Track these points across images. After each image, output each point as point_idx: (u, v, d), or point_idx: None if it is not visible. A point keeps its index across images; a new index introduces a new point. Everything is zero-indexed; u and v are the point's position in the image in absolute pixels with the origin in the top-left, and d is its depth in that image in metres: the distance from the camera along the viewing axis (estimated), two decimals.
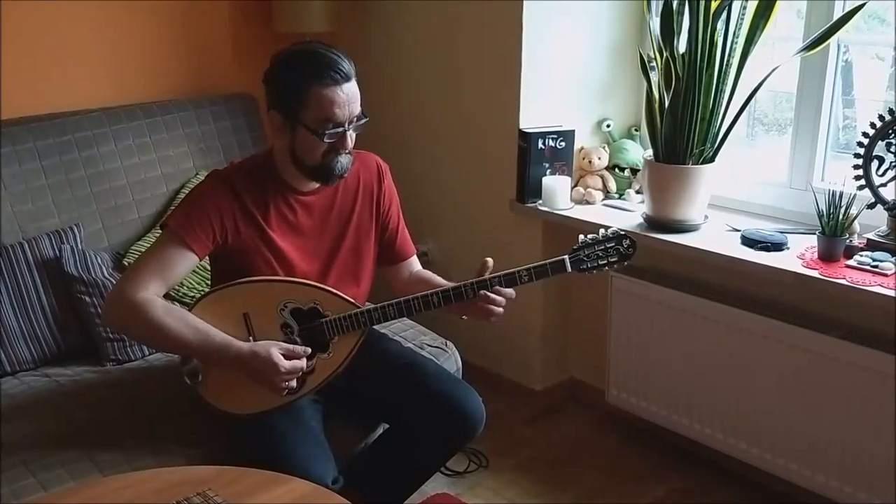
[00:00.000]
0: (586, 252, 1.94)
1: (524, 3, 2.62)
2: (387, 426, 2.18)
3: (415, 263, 2.21)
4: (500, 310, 1.95)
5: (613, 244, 1.95)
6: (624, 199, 2.79)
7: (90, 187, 2.56)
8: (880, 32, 2.43)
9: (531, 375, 2.99)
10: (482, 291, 1.92)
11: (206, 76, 2.99)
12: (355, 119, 1.89)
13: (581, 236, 1.96)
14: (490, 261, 1.95)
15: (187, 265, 1.90)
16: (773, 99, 2.69)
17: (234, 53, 3.04)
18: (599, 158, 2.81)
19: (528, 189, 2.75)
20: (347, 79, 1.85)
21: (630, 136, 2.90)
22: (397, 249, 2.17)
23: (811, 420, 2.28)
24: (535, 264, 1.93)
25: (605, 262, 1.95)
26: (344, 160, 1.91)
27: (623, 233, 1.96)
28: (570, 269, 1.93)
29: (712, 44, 2.33)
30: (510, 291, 1.94)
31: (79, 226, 2.49)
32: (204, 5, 2.95)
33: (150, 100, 2.79)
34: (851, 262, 2.18)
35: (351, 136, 1.90)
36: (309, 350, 1.90)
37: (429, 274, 2.17)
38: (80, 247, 2.44)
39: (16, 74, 2.56)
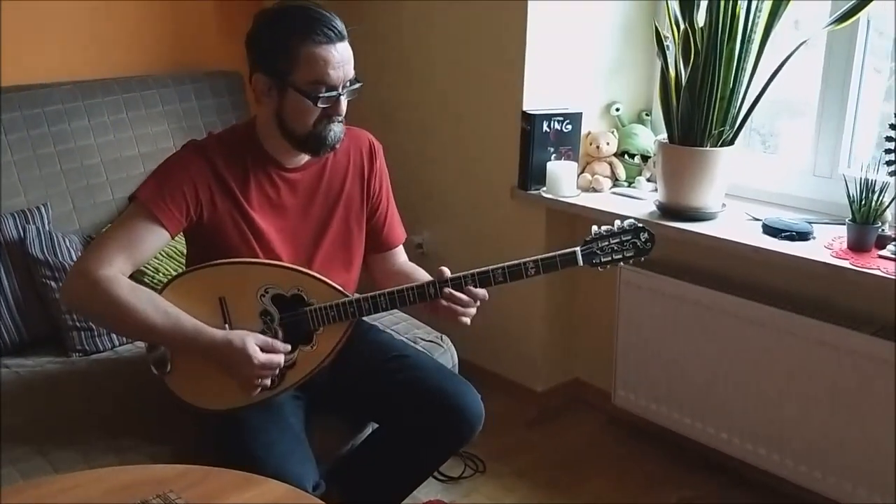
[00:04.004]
0: (600, 245, 1.77)
1: None
2: (376, 425, 2.01)
3: (401, 254, 2.04)
4: (470, 311, 1.77)
5: (630, 237, 1.78)
6: (634, 187, 2.62)
7: (60, 165, 2.39)
8: (878, 46, 2.27)
9: (532, 375, 2.82)
10: (447, 290, 1.74)
11: (188, 50, 2.82)
12: (349, 83, 1.72)
13: (594, 227, 1.79)
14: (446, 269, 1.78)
15: (157, 242, 1.72)
16: (770, 108, 2.54)
17: (219, 26, 2.87)
18: (608, 144, 2.65)
19: (532, 175, 2.58)
20: (341, 38, 1.69)
21: (640, 121, 2.74)
22: (384, 237, 1.99)
23: (840, 424, 2.11)
24: (544, 256, 1.76)
25: (619, 256, 1.78)
26: (337, 129, 1.74)
27: (641, 225, 1.79)
28: (581, 262, 1.77)
29: (734, 16, 2.16)
30: (482, 292, 1.76)
31: (47, 206, 2.32)
32: None
33: (128, 74, 2.61)
34: (884, 253, 2.03)
35: (345, 103, 1.74)
36: (288, 347, 1.72)
37: (413, 267, 1.99)
38: (46, 228, 2.27)
39: None
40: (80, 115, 2.43)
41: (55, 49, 2.56)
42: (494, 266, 1.75)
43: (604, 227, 1.78)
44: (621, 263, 1.79)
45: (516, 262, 1.75)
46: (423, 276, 1.91)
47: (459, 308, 1.75)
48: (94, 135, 2.45)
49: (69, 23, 2.58)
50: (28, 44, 2.50)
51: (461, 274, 1.76)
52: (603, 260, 1.77)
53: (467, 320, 1.78)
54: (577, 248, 1.76)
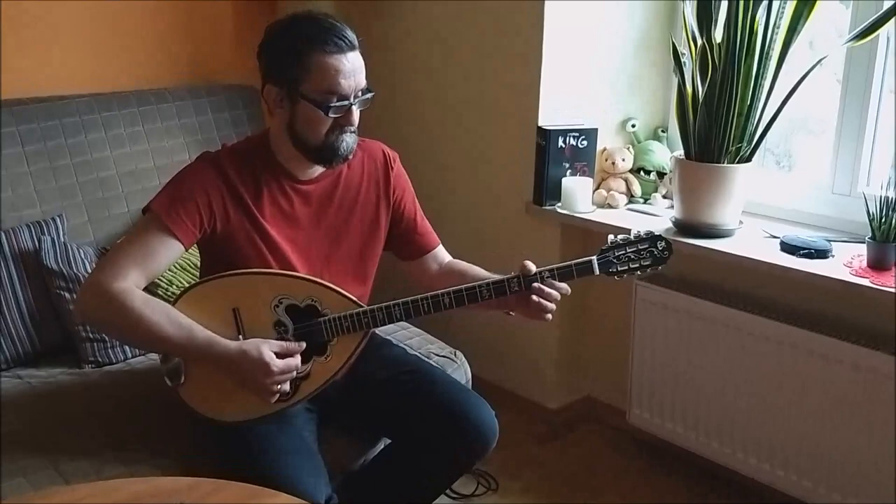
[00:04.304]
0: (616, 254, 1.75)
1: None
2: (388, 441, 1.98)
3: (443, 254, 2.01)
4: (552, 306, 1.75)
5: (647, 246, 1.76)
6: (649, 204, 2.60)
7: (76, 176, 2.39)
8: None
9: (545, 392, 2.79)
10: (535, 285, 1.72)
11: (205, 64, 2.83)
12: (360, 93, 1.71)
13: (611, 236, 1.78)
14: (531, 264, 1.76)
15: (171, 254, 1.71)
16: (784, 128, 2.54)
17: (236, 41, 2.88)
18: (623, 160, 2.63)
19: (547, 190, 2.56)
20: (352, 47, 1.68)
21: (656, 138, 2.73)
22: (419, 241, 1.97)
23: (858, 445, 2.07)
24: (560, 265, 1.74)
25: (636, 265, 1.76)
26: (349, 139, 1.73)
27: (658, 234, 1.77)
28: (597, 271, 1.75)
29: (752, 32, 2.15)
30: (565, 286, 1.75)
31: (62, 217, 2.32)
32: None
33: (144, 87, 2.62)
34: None
35: (357, 113, 1.73)
36: (303, 345, 1.70)
37: (465, 265, 1.96)
38: (61, 239, 2.27)
39: (5, 55, 2.40)
40: (96, 127, 2.44)
41: (71, 61, 2.57)
42: (510, 275, 1.73)
43: (620, 236, 1.77)
44: (638, 273, 1.77)
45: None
46: (479, 272, 1.88)
47: (545, 303, 1.73)
48: (110, 147, 2.45)
49: (85, 35, 2.59)
50: (48, 59, 2.52)
51: (475, 283, 1.74)
52: (620, 269, 1.75)
53: (549, 316, 1.76)
54: (594, 257, 1.74)
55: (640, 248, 1.75)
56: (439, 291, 1.74)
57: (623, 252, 1.75)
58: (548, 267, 1.74)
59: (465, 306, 1.74)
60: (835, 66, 2.33)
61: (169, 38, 2.76)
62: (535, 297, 1.72)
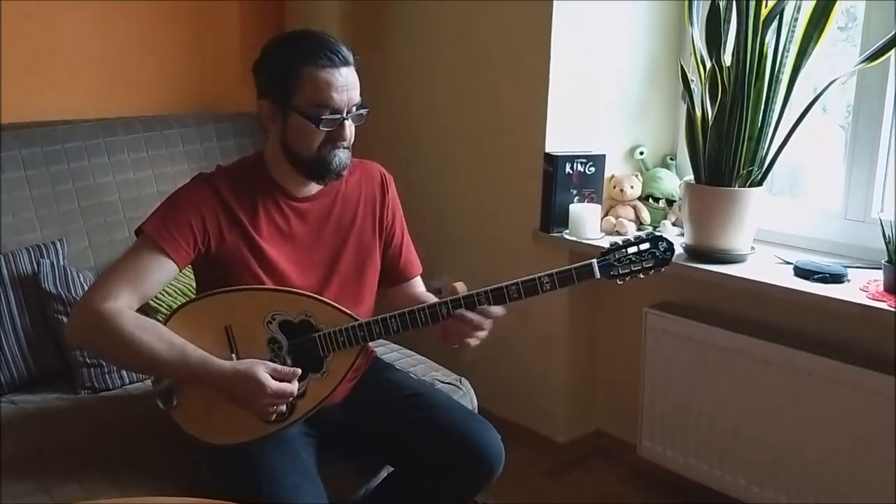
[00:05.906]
0: (617, 256, 1.71)
1: (553, 16, 2.44)
2: (390, 469, 1.92)
3: (418, 285, 1.98)
4: (480, 333, 1.70)
5: (648, 247, 1.72)
6: (659, 231, 2.54)
7: (78, 201, 2.37)
8: None
9: (554, 425, 2.72)
10: (457, 311, 1.68)
11: (211, 92, 2.83)
12: (354, 108, 1.69)
13: (610, 239, 1.73)
14: (461, 284, 1.72)
15: (164, 274, 1.67)
16: (791, 171, 2.52)
17: (243, 69, 2.84)
18: (632, 187, 2.59)
19: (554, 217, 2.53)
20: (346, 63, 1.67)
21: (665, 165, 2.69)
22: (401, 268, 1.95)
23: (882, 476, 1.99)
24: (559, 269, 1.70)
25: (638, 267, 1.72)
26: (342, 155, 1.71)
27: (659, 234, 1.74)
28: (598, 274, 1.70)
29: (762, 55, 2.13)
30: (497, 309, 1.70)
31: (62, 241, 2.29)
32: (213, 19, 2.82)
33: (151, 114, 2.61)
34: None
35: (350, 128, 1.70)
36: (299, 371, 1.65)
37: (433, 297, 1.92)
38: (61, 263, 2.23)
39: (11, 80, 2.41)
40: (100, 153, 2.42)
41: (76, 88, 2.57)
42: (509, 282, 1.69)
43: (621, 238, 1.74)
44: (640, 275, 1.72)
45: (531, 276, 1.69)
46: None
47: (469, 330, 1.68)
48: (113, 172, 2.43)
49: (95, 63, 2.60)
50: (48, 81, 2.51)
51: (475, 291, 1.70)
52: (621, 272, 1.71)
53: (475, 342, 1.71)
54: (594, 260, 1.70)
55: (642, 249, 1.72)
56: (436, 301, 1.71)
57: (624, 254, 1.71)
58: (548, 272, 1.69)
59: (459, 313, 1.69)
60: (836, 115, 2.35)
61: (175, 66, 2.76)
62: (453, 324, 1.69)
